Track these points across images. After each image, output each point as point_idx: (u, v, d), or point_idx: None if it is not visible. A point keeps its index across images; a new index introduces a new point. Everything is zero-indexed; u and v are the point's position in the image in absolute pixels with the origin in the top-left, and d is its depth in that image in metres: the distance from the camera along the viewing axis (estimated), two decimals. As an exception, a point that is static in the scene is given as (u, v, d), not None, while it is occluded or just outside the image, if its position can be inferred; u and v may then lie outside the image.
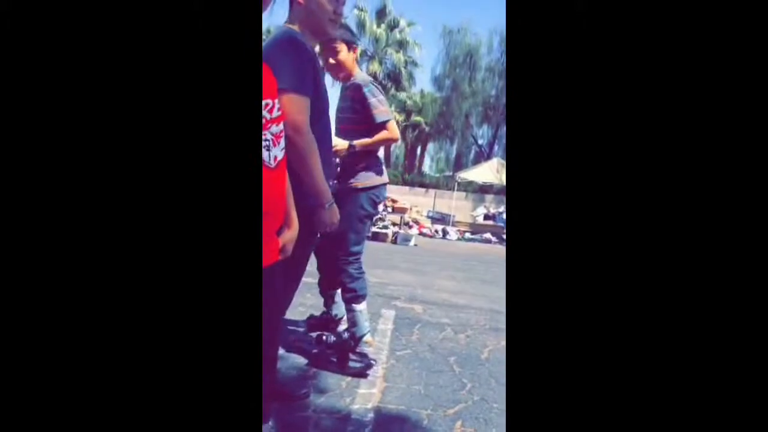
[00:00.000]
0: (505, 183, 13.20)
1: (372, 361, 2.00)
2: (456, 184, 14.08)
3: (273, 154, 1.08)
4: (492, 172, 13.41)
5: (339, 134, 2.03)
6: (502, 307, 3.73)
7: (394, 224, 9.87)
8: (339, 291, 2.19)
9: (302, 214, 1.32)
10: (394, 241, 8.90)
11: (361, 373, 1.96)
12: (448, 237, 11.35)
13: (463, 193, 15.18)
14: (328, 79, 1.92)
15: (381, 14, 17.54)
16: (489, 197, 15.40)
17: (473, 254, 8.41)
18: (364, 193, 2.03)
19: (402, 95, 19.74)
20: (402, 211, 10.66)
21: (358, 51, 2.05)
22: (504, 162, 14.07)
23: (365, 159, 2.04)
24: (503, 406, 1.79)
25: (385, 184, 2.13)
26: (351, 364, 1.98)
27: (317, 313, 2.31)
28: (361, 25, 17.40)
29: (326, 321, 2.26)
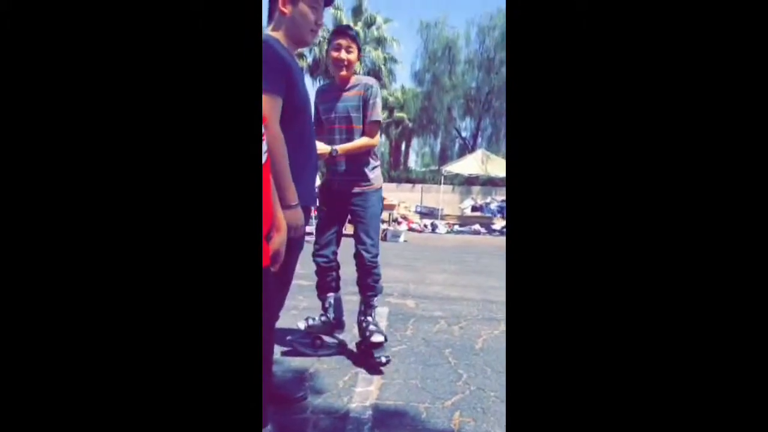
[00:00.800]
0: (490, 174, 13.30)
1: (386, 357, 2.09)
2: (442, 177, 14.13)
3: None
4: (477, 163, 13.47)
5: (341, 133, 2.10)
6: (494, 296, 3.77)
7: (383, 221, 9.88)
8: (333, 294, 2.22)
9: (292, 216, 1.31)
10: (384, 239, 8.91)
11: (379, 369, 2.03)
12: (437, 231, 11.39)
13: (450, 186, 15.25)
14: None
15: (357, 12, 17.49)
16: (475, 189, 15.49)
17: (463, 246, 8.46)
18: (378, 192, 2.17)
19: (383, 92, 19.74)
20: (390, 208, 10.67)
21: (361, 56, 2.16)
22: (488, 153, 14.16)
23: (374, 159, 2.16)
24: (500, 394, 1.81)
25: None
26: (377, 358, 2.07)
27: (315, 317, 2.29)
28: (338, 23, 17.36)
29: (327, 326, 2.26)
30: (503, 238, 10.42)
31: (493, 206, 13.20)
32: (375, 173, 2.15)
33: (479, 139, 19.87)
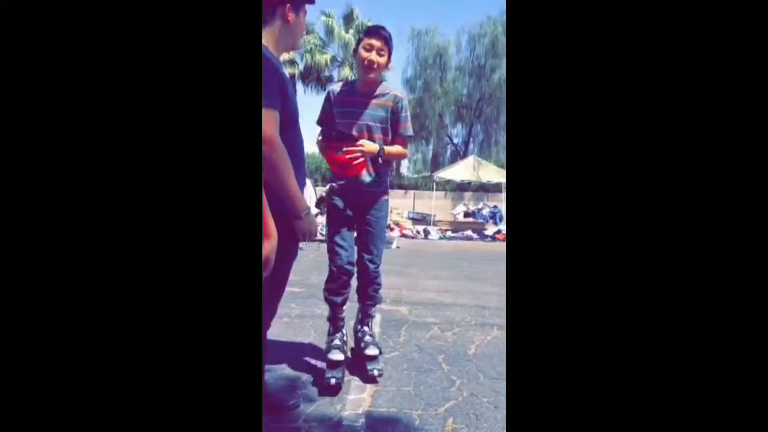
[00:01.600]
0: (482, 179, 13.37)
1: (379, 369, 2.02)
2: (434, 183, 14.18)
3: None
4: (469, 169, 13.55)
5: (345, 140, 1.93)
6: (487, 302, 3.77)
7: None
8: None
9: (281, 224, 1.31)
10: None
11: (374, 379, 1.98)
12: (429, 237, 11.41)
13: (442, 192, 15.29)
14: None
15: (348, 20, 17.56)
16: (467, 194, 15.54)
17: (456, 252, 8.48)
18: (388, 202, 2.14)
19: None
20: (382, 214, 10.64)
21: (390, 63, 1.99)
22: (480, 159, 14.24)
23: (389, 167, 2.13)
24: (493, 401, 1.81)
25: None
26: (370, 370, 2.00)
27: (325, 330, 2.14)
28: (330, 31, 17.40)
29: (358, 343, 2.11)
30: (495, 244, 10.46)
31: (485, 212, 13.25)
32: (387, 182, 2.13)
33: (471, 146, 20.00)
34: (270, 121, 1.31)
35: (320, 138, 2.01)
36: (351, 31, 17.34)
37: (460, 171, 13.84)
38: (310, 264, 5.30)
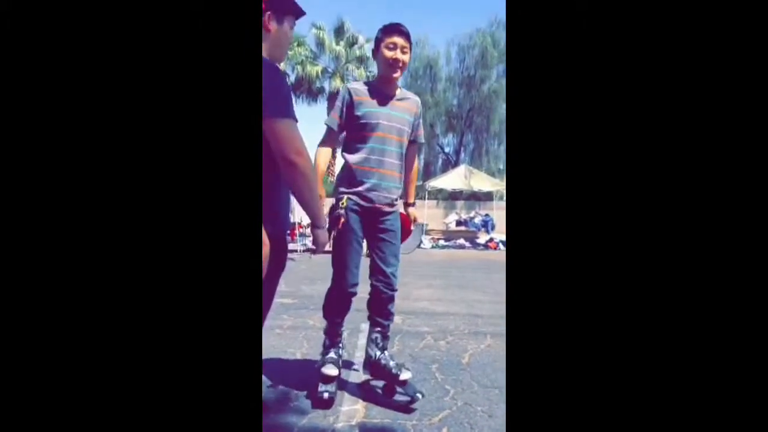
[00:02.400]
0: (473, 188, 13.43)
1: (419, 394, 1.85)
2: (426, 192, 14.22)
3: None
4: (460, 178, 13.62)
5: (390, 143, 1.89)
6: (480, 311, 3.77)
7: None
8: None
9: (273, 235, 1.31)
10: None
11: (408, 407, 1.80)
12: (422, 246, 11.41)
13: (434, 201, 15.34)
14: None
15: (339, 32, 17.71)
16: (459, 203, 15.60)
17: (448, 261, 8.48)
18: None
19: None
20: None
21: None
22: (471, 168, 14.32)
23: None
24: (487, 409, 1.80)
25: None
26: (397, 397, 1.86)
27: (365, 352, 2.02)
28: (321, 43, 17.53)
29: (384, 371, 1.91)
30: (488, 252, 10.48)
31: (477, 220, 13.30)
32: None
33: (462, 155, 20.12)
34: (297, 132, 1.32)
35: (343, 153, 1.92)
36: (342, 43, 17.49)
37: (452, 180, 13.91)
38: (302, 275, 5.27)
